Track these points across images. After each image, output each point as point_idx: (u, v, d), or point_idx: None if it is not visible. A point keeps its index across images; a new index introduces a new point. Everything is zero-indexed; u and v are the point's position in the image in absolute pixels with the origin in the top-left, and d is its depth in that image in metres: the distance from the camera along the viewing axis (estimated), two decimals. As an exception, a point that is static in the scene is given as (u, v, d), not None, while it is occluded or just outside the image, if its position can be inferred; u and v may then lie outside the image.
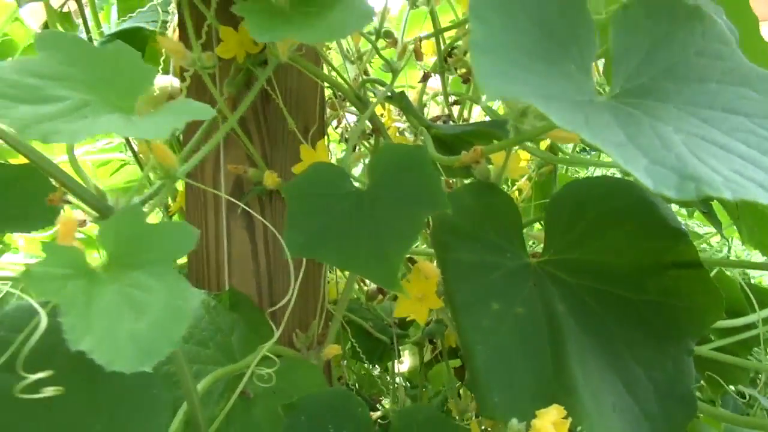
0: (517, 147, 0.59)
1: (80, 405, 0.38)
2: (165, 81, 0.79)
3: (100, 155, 1.12)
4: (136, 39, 0.94)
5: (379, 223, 0.51)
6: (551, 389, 0.52)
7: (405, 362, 1.24)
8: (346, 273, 0.84)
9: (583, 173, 1.19)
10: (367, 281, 0.98)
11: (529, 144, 0.69)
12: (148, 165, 0.48)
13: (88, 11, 0.90)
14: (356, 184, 0.56)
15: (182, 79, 0.66)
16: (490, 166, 0.62)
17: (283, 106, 0.72)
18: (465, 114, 0.99)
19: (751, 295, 0.84)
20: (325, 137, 0.76)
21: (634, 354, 0.60)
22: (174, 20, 0.86)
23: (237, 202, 0.75)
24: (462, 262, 0.59)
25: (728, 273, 0.95)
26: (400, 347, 1.09)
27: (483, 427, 0.59)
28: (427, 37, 0.83)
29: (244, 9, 0.48)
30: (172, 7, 0.86)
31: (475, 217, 0.61)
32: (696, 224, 2.10)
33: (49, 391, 0.32)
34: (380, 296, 0.95)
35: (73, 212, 0.38)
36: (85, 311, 0.31)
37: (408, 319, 1.09)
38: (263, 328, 0.75)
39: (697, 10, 0.46)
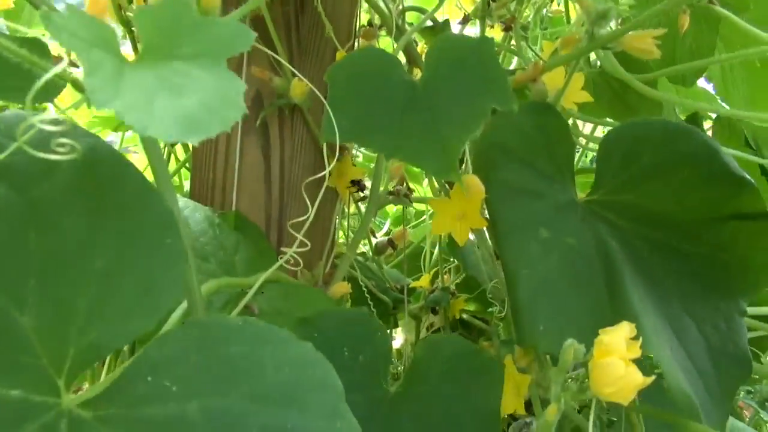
0: (582, 67, 0.53)
1: (78, 235, 0.31)
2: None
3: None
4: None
5: (436, 112, 0.45)
6: (606, 321, 0.46)
7: (397, 339, 1.16)
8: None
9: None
10: (377, 232, 0.92)
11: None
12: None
13: None
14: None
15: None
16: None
17: (321, 10, 0.65)
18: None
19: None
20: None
21: (686, 306, 0.55)
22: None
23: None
24: (509, 183, 0.53)
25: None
26: (399, 317, 1.02)
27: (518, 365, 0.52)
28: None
29: None
30: None
31: (526, 139, 0.55)
32: None
33: (61, 152, 0.25)
34: (390, 249, 0.88)
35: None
36: (115, 79, 0.25)
37: (410, 285, 1.03)
38: (269, 254, 0.68)
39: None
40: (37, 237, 0.30)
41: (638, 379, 0.37)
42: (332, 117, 0.43)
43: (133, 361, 0.31)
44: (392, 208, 1.43)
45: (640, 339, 0.39)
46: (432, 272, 1.03)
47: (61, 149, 0.25)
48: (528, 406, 0.51)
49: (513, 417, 0.50)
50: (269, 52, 0.68)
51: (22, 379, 0.29)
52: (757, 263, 0.57)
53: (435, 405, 0.49)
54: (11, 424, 0.28)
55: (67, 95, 0.83)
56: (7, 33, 0.96)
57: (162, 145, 0.90)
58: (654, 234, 0.57)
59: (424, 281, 1.02)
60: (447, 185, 0.58)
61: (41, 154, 0.26)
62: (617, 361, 0.37)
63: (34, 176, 0.31)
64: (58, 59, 0.44)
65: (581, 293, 0.49)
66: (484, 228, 0.58)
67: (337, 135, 0.45)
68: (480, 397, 0.47)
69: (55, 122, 0.25)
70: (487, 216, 0.53)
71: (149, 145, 0.36)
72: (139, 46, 0.29)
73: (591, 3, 0.48)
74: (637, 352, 0.38)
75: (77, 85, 0.29)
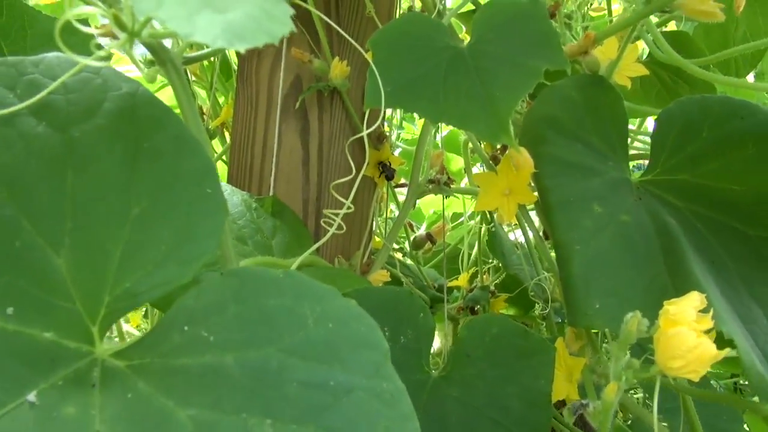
0: (637, 37, 0.51)
1: (116, 178, 0.30)
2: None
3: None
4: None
5: (484, 74, 0.42)
6: (668, 298, 0.43)
7: (435, 342, 1.13)
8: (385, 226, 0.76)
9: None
10: (415, 226, 0.89)
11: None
12: None
13: None
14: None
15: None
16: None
17: (362, -12, 0.64)
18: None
19: None
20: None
21: (752, 292, 0.51)
22: None
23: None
24: (560, 158, 0.51)
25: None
26: (437, 318, 0.99)
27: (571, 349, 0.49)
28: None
29: None
30: None
31: (578, 113, 0.52)
32: None
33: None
34: (428, 244, 0.86)
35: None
36: (157, -6, 0.23)
37: (449, 284, 1.00)
38: (306, 240, 0.67)
39: None
40: (75, 177, 0.29)
41: (712, 352, 0.33)
42: (378, 81, 0.41)
43: (170, 310, 0.29)
44: (429, 211, 1.41)
45: (711, 311, 0.36)
46: (470, 272, 1.00)
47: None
48: (581, 393, 0.48)
49: (563, 403, 0.47)
50: (317, 23, 0.67)
51: (56, 323, 0.27)
52: (829, 249, 0.52)
53: (480, 388, 0.46)
54: (44, 367, 0.26)
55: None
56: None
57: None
58: (716, 215, 0.54)
59: (462, 281, 0.99)
60: (493, 162, 0.55)
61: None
62: (687, 331, 0.34)
63: (74, 116, 0.30)
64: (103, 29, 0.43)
65: (639, 270, 0.46)
66: (532, 208, 0.55)
67: (381, 101, 0.43)
68: (529, 378, 0.44)
69: (97, 62, 0.24)
70: (536, 192, 0.51)
71: (184, 101, 0.35)
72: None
73: (647, -35, 0.45)
74: (708, 324, 0.35)
75: (119, 21, 0.28)
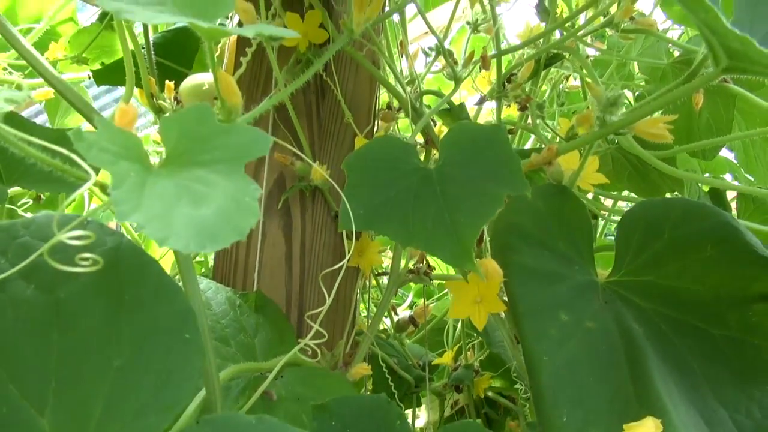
0: (600, 144, 0.54)
1: (99, 334, 0.32)
2: (206, 78, 0.77)
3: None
4: (191, 38, 0.93)
5: (450, 200, 0.45)
6: (631, 410, 0.45)
7: (421, 417, 1.13)
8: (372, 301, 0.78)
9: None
10: (398, 310, 0.91)
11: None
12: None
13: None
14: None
15: (243, 55, 0.63)
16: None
17: (340, 98, 0.68)
18: (517, 144, 0.96)
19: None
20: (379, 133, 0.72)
21: (717, 393, 0.52)
22: (234, 20, 0.85)
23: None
24: (528, 267, 0.53)
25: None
26: (422, 395, 0.99)
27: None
28: (492, 56, 0.81)
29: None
30: None
31: (543, 221, 0.55)
32: None
33: (84, 264, 0.26)
34: (411, 326, 0.87)
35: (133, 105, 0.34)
36: (138, 191, 0.26)
37: (433, 362, 1.01)
38: (288, 336, 0.68)
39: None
40: (60, 337, 0.31)
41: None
42: (348, 206, 0.44)
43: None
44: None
45: (667, 434, 0.38)
46: (455, 348, 1.01)
47: (84, 262, 0.26)
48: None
49: None
50: (297, 128, 0.71)
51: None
52: (789, 347, 0.55)
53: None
54: None
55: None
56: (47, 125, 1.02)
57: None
58: (679, 315, 0.56)
59: (446, 358, 1.00)
60: (465, 267, 0.58)
61: (66, 268, 0.27)
62: (643, 460, 0.35)
63: (61, 277, 0.32)
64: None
65: (603, 381, 0.48)
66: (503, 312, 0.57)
67: (353, 224, 0.45)
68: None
69: (80, 237, 0.26)
70: (506, 299, 0.53)
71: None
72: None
73: (601, 90, 0.49)
74: (663, 450, 0.37)
75: (105, 190, 0.31)
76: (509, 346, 0.75)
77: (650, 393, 0.46)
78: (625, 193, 1.04)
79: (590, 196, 1.05)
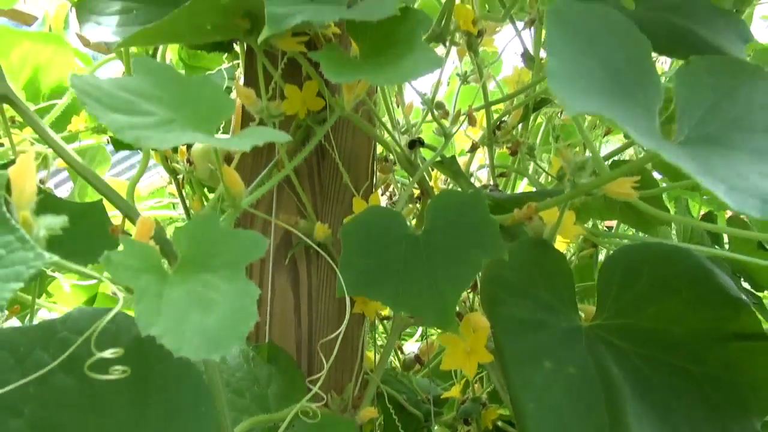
0: (570, 207, 0.59)
1: (128, 414, 0.37)
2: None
3: (150, 212, 1.15)
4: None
5: (435, 266, 0.50)
6: (610, 453, 0.49)
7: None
8: (384, 339, 0.83)
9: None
10: (405, 350, 0.96)
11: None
12: (216, 193, 0.50)
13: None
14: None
15: (248, 123, 0.69)
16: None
17: (338, 161, 0.74)
18: (510, 188, 1.01)
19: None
20: (377, 195, 0.77)
21: (695, 429, 0.56)
22: (240, 80, 0.92)
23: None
24: (513, 317, 0.58)
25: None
26: (434, 428, 1.03)
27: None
28: (478, 108, 0.87)
29: (321, 55, 0.51)
30: (239, 72, 0.92)
31: (527, 273, 0.60)
32: None
33: (116, 373, 0.32)
34: (417, 365, 0.92)
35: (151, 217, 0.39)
36: (156, 301, 0.32)
37: (442, 396, 1.05)
38: (300, 384, 0.73)
39: (759, 70, 0.47)
40: (95, 421, 0.36)
41: None
42: (341, 275, 0.50)
43: None
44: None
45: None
46: (462, 381, 1.05)
47: (117, 368, 0.32)
48: None
49: None
50: (299, 191, 0.76)
51: None
52: (764, 383, 0.58)
53: None
54: None
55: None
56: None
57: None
58: (659, 356, 0.60)
59: (455, 391, 1.04)
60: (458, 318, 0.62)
61: (101, 377, 0.32)
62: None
63: (95, 367, 0.38)
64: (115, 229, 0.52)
65: (585, 424, 0.52)
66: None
67: (349, 290, 0.51)
68: None
69: (113, 353, 0.32)
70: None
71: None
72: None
73: (569, 155, 0.54)
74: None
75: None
76: (500, 390, 0.79)
77: (626, 435, 0.50)
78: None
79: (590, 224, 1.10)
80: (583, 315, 0.78)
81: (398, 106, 0.99)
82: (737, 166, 0.36)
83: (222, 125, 0.87)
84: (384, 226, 0.55)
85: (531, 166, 0.93)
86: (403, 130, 0.95)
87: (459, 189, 0.76)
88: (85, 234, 0.64)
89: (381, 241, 0.54)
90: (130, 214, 0.48)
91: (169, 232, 1.19)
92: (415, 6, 1.11)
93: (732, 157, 0.39)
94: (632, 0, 0.61)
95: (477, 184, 1.10)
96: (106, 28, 0.67)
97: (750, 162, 0.39)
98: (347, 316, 0.71)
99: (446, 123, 0.79)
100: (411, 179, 0.80)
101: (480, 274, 0.60)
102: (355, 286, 0.51)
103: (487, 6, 0.97)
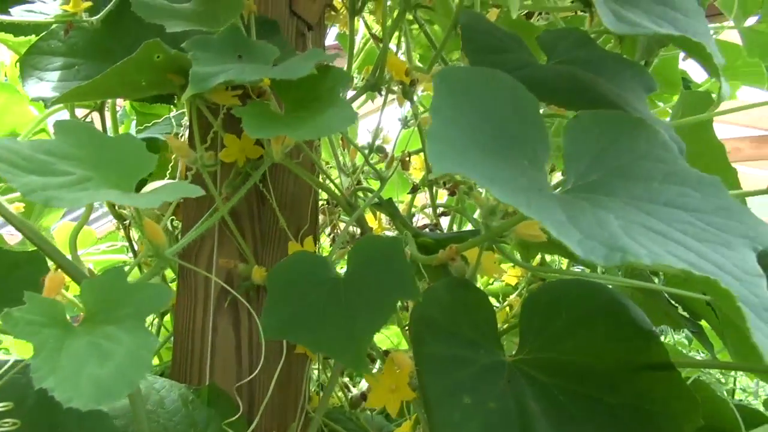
0: (492, 247, 0.62)
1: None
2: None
3: (101, 256, 1.16)
4: (151, 148, 1.02)
5: (351, 308, 0.53)
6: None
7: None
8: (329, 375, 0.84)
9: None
10: (353, 388, 0.97)
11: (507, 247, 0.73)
12: (142, 247, 0.52)
13: (109, 124, 0.99)
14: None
15: (185, 178, 0.72)
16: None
17: (275, 206, 0.77)
18: (454, 227, 1.04)
19: (738, 416, 0.82)
20: (314, 236, 0.80)
21: (612, 460, 0.59)
22: (186, 131, 0.94)
23: (229, 292, 0.77)
24: (436, 356, 0.60)
25: (719, 394, 0.94)
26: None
27: None
28: (416, 152, 0.90)
29: (243, 111, 0.54)
30: (185, 120, 0.95)
31: (450, 312, 0.63)
32: (699, 353, 2.08)
33: (6, 426, 0.33)
34: (364, 403, 0.93)
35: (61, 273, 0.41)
36: (55, 355, 0.33)
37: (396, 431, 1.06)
38: (240, 426, 0.74)
39: (641, 121, 0.51)
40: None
41: None
42: (264, 319, 0.52)
43: None
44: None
45: None
46: (414, 417, 1.06)
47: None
48: None
49: None
50: (237, 238, 0.79)
51: None
52: (676, 411, 0.61)
53: None
54: None
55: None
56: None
57: (151, 318, 1.00)
58: (578, 388, 0.63)
59: (406, 427, 1.05)
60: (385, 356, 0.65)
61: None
62: None
63: (3, 415, 0.39)
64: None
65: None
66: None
67: (272, 334, 0.53)
68: None
69: (3, 405, 0.33)
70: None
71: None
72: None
73: (483, 198, 0.58)
74: None
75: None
76: (424, 427, 0.81)
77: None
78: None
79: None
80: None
81: (344, 149, 1.03)
82: (605, 215, 0.40)
83: (165, 173, 0.90)
84: (309, 270, 0.58)
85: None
86: (348, 172, 0.98)
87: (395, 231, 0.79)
88: (21, 283, 0.65)
89: (305, 285, 0.56)
90: (66, 267, 0.50)
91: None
92: (360, 57, 1.16)
93: (606, 205, 0.42)
94: (544, 54, 0.65)
95: (425, 222, 1.13)
96: (46, 84, 0.70)
97: (622, 210, 0.43)
98: (283, 357, 0.73)
99: (382, 167, 0.82)
100: (350, 219, 0.83)
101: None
102: (277, 329, 0.53)
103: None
